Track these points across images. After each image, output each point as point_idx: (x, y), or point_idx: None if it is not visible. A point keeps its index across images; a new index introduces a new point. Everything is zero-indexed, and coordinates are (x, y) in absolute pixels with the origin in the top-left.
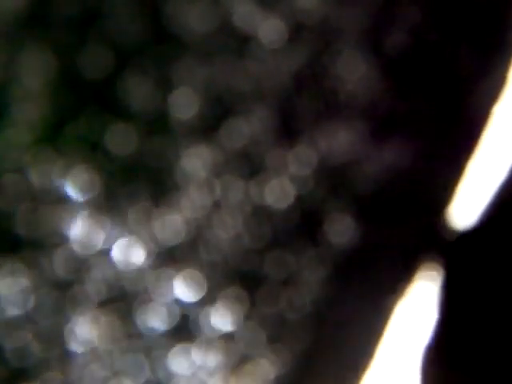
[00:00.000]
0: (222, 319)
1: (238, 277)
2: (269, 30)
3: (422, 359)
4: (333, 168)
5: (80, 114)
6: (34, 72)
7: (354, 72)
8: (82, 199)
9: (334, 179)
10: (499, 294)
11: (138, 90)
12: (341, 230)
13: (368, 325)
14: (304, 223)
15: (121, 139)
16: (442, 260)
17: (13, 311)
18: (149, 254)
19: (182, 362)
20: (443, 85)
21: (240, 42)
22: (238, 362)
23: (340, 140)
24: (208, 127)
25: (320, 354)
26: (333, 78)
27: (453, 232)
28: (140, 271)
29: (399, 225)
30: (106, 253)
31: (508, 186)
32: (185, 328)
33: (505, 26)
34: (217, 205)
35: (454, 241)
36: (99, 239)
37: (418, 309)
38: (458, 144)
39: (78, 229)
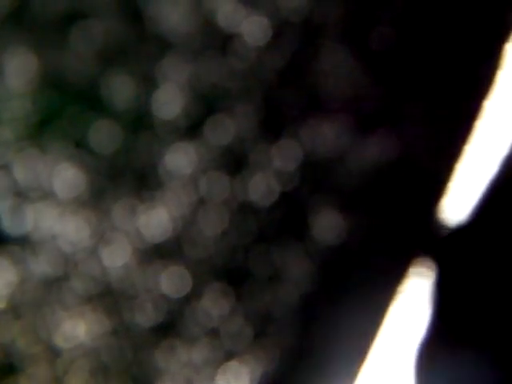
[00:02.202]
0: (207, 315)
1: (224, 273)
2: (252, 27)
3: (415, 355)
4: (318, 163)
5: (65, 112)
6: (19, 71)
7: (337, 68)
8: (67, 196)
9: (319, 174)
10: (492, 289)
11: (122, 89)
12: (327, 225)
13: (356, 321)
14: (289, 219)
15: (106, 137)
16: (434, 255)
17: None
18: (135, 251)
19: (168, 357)
20: (431, 79)
21: (223, 40)
22: (224, 357)
23: (325, 135)
24: (192, 124)
25: (306, 350)
26: (317, 73)
27: (444, 228)
28: (126, 267)
29: (388, 220)
30: (92, 249)
31: (499, 182)
32: (171, 324)
33: (497, 15)
34: (202, 201)
35: (446, 237)
36: (85, 236)
37: (410, 303)
38: (450, 138)
39: (64, 225)
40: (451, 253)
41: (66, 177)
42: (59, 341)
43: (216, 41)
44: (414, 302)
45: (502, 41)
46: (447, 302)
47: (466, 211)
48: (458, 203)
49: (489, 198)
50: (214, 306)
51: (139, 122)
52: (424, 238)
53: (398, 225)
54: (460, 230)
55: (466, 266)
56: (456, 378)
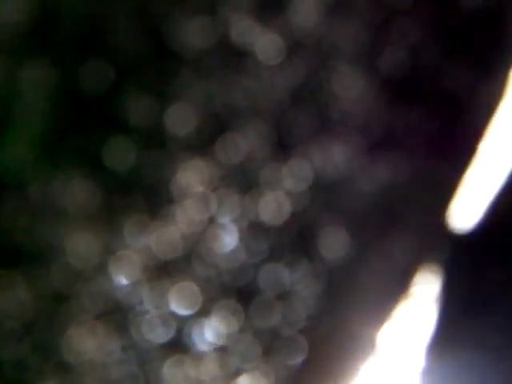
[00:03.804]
0: (216, 332)
1: (233, 290)
2: (266, 46)
3: (422, 366)
4: (328, 183)
5: (79, 129)
6: (35, 87)
7: (349, 88)
8: (80, 213)
9: (329, 194)
10: (499, 295)
11: (136, 106)
12: (336, 244)
13: (363, 338)
14: (299, 238)
15: (119, 154)
16: (442, 265)
17: (11, 323)
18: (145, 268)
19: (176, 374)
20: (440, 96)
21: (237, 59)
22: (231, 374)
23: (335, 155)
24: (205, 142)
25: (314, 367)
26: (328, 94)
27: (451, 237)
28: (136, 284)
29: (395, 236)
30: (103, 266)
31: (507, 191)
32: (179, 341)
33: (502, 38)
34: (212, 219)
35: (453, 246)
36: (96, 252)
37: (416, 321)
38: (455, 155)
39: (76, 242)
40: (459, 259)
41: (79, 193)
42: (69, 357)
43: (230, 59)
44: (421, 309)
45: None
46: (455, 307)
47: (473, 220)
48: (466, 214)
49: (496, 207)
50: (223, 323)
51: (152, 138)
52: (431, 248)
53: (403, 239)
54: (467, 238)
55: (473, 273)
56: (462, 379)
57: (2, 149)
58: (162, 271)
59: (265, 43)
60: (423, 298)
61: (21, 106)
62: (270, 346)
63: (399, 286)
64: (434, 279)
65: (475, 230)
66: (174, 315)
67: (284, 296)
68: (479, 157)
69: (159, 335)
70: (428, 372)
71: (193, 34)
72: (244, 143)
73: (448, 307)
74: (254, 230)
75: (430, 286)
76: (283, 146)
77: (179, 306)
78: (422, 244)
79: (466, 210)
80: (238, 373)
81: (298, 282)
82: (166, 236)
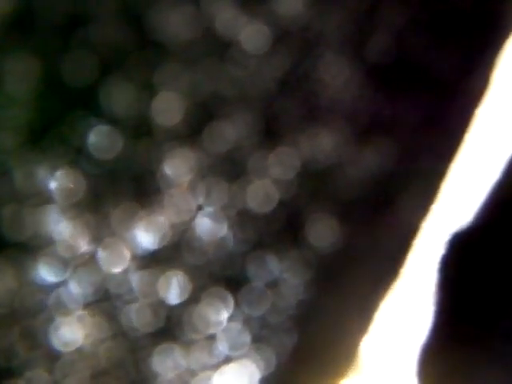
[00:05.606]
0: (205, 320)
1: (222, 278)
2: (252, 35)
3: (417, 359)
4: (316, 171)
5: (65, 119)
6: (20, 77)
7: (336, 76)
8: (67, 202)
9: (317, 182)
10: (495, 291)
11: (122, 95)
12: (324, 232)
13: (353, 326)
14: (287, 226)
15: (105, 143)
16: (437, 259)
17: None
18: (133, 256)
19: (166, 362)
20: (427, 83)
21: (223, 48)
22: (221, 362)
23: (323, 143)
24: (192, 131)
25: (304, 355)
26: (315, 82)
27: (445, 231)
28: (125, 273)
29: (382, 226)
30: (91, 254)
31: (503, 185)
32: (169, 329)
33: (489, 28)
34: (201, 208)
35: (447, 240)
36: (84, 241)
37: (407, 308)
38: (447, 146)
39: (64, 231)
40: (454, 253)
41: (66, 182)
42: (58, 345)
43: (215, 48)
44: (411, 305)
45: (497, 49)
46: (450, 302)
47: (466, 214)
48: (458, 207)
49: (490, 200)
50: (213, 311)
51: (139, 128)
52: (422, 241)
53: (390, 230)
54: (460, 233)
55: (469, 267)
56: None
57: None
58: (151, 260)
59: (251, 32)
60: (414, 286)
61: (6, 94)
62: (259, 333)
63: (389, 274)
64: (425, 271)
65: (470, 225)
66: (163, 303)
67: (273, 284)
68: (469, 146)
69: (148, 323)
70: (426, 370)
71: (178, 23)
72: (231, 132)
73: (444, 304)
74: (242, 218)
75: (421, 277)
76: (271, 135)
77: (168, 295)
78: (412, 232)
79: (459, 204)
80: (227, 361)
81: (287, 270)
82: (154, 225)
